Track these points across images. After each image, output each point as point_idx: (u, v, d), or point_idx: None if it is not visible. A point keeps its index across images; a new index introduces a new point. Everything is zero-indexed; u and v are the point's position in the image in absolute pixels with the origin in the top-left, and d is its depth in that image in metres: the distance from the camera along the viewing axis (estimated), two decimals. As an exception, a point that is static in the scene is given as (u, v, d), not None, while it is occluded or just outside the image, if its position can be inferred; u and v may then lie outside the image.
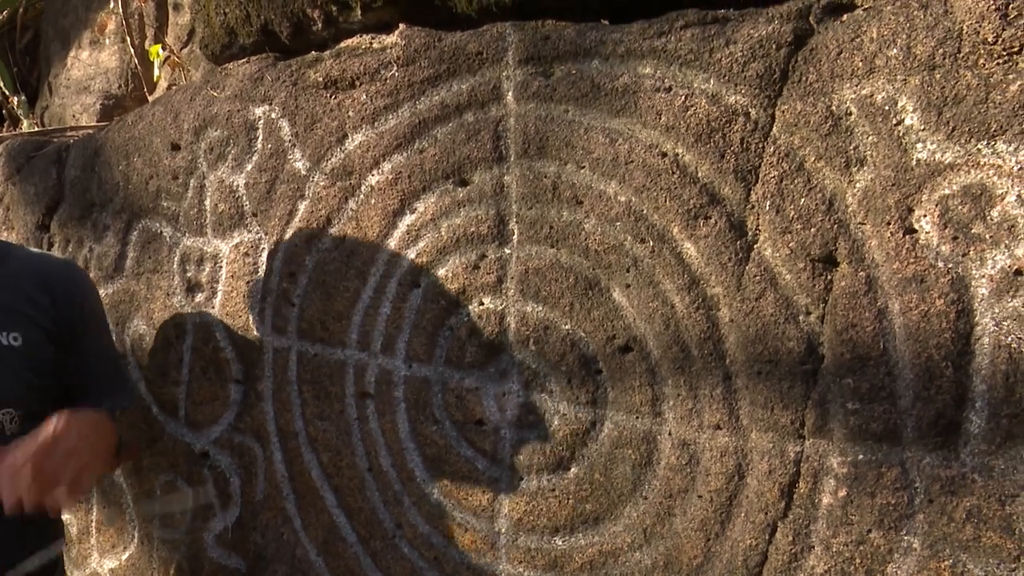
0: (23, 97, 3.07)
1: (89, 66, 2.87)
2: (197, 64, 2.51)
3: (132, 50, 2.55)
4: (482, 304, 1.12)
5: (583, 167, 1.04)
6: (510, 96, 1.11)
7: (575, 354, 1.05)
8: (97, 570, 1.63)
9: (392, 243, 1.20)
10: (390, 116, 1.20)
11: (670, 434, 0.97)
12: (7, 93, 3.07)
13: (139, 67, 2.57)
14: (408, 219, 1.18)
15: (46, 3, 3.31)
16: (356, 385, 1.23)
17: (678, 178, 0.96)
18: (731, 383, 0.92)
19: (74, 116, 2.81)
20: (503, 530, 1.11)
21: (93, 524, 1.62)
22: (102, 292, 1.52)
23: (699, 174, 0.95)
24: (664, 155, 0.98)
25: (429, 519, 1.17)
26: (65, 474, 1.08)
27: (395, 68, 1.19)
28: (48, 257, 1.36)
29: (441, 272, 1.16)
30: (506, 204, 1.11)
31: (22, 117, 2.91)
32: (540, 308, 1.07)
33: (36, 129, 2.79)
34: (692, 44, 0.97)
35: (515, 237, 1.10)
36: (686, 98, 0.97)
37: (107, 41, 2.84)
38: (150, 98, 2.72)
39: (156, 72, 2.20)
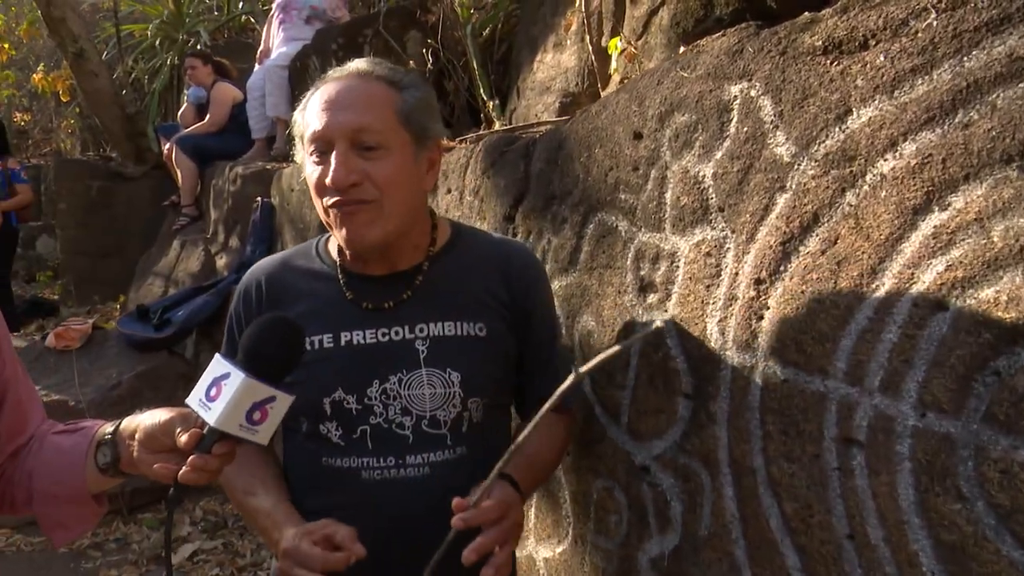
0: (496, 101, 3.44)
1: (551, 67, 3.07)
2: (651, 55, 2.46)
3: (590, 47, 2.63)
4: (1060, 345, 0.77)
5: None
6: None
7: None
8: (532, 554, 1.66)
9: (908, 249, 0.91)
10: (918, 81, 0.90)
11: None
12: (485, 98, 3.47)
13: (595, 63, 2.64)
14: (937, 218, 0.88)
15: (520, 15, 3.68)
16: (839, 427, 0.98)
17: None
18: None
19: (536, 115, 3.03)
20: None
21: (532, 508, 1.66)
22: (556, 285, 1.52)
23: None
24: None
25: (939, 627, 0.86)
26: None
27: (933, 16, 0.89)
28: (507, 244, 1.37)
29: (987, 293, 0.83)
30: (1121, 199, 0.73)
31: (495, 119, 3.25)
32: None
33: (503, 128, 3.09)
34: None
35: None
36: None
37: (568, 42, 3.00)
38: (603, 92, 2.79)
39: (613, 65, 2.20)
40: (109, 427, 1.11)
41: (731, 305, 1.13)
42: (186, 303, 3.82)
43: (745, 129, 1.13)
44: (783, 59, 1.07)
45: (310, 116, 1.17)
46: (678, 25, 1.35)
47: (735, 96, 1.15)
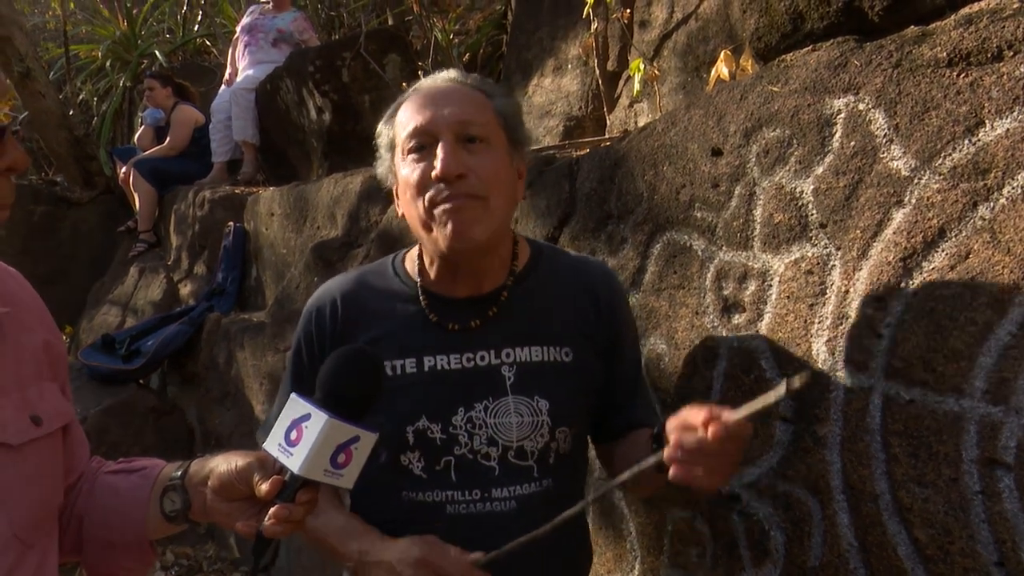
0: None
1: (551, 92, 3.05)
2: (663, 79, 2.46)
3: (597, 71, 2.62)
4: None
5: None
6: None
7: None
8: (586, 592, 1.58)
9: (1059, 263, 0.88)
10: (1064, 92, 0.89)
11: None
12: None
13: (601, 87, 2.62)
14: (1093, 231, 0.86)
15: (509, 42, 3.66)
16: (980, 448, 0.94)
17: None
18: None
19: (536, 139, 3.00)
20: None
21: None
22: (619, 306, 1.46)
23: None
24: None
25: (1119, 659, 0.82)
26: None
27: (1080, 26, 0.88)
28: (589, 264, 1.28)
29: None
30: None
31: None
32: None
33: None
34: None
35: None
36: None
37: (569, 67, 2.98)
38: (608, 116, 2.78)
39: (636, 87, 2.19)
40: (175, 470, 1.00)
41: (841, 324, 1.09)
42: (155, 332, 3.60)
43: (852, 143, 1.10)
44: (897, 71, 1.05)
45: (405, 116, 1.11)
46: (760, 40, 1.32)
47: (838, 110, 1.12)
